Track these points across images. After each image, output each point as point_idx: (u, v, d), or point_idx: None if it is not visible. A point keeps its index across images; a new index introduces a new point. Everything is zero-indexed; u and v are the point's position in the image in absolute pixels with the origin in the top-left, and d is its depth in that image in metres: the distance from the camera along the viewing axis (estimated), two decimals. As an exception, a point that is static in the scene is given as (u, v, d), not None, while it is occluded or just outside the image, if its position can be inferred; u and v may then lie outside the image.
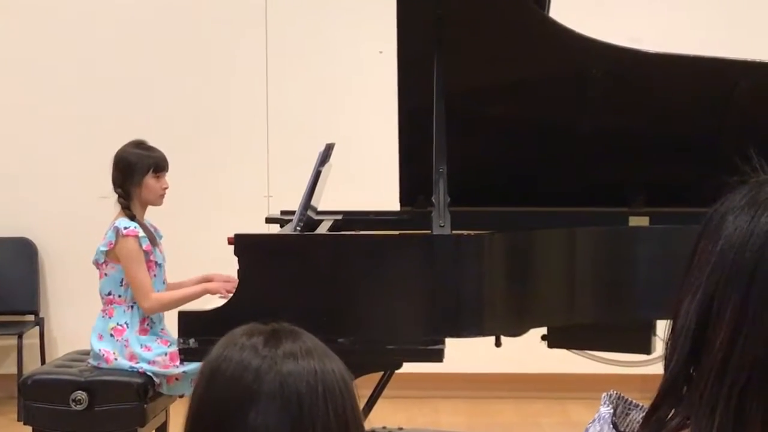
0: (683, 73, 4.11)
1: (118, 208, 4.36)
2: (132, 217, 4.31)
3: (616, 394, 1.18)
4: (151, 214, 4.51)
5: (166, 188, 4.40)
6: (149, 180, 4.35)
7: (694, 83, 4.11)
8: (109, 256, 4.31)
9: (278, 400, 1.34)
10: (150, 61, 6.22)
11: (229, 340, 1.44)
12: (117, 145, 4.45)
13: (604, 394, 1.18)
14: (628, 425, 1.17)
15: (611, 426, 1.13)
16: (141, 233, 4.28)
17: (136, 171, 4.34)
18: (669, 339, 1.14)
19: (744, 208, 1.11)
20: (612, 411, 1.15)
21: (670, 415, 1.11)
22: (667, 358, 1.13)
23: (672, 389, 1.11)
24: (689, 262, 1.15)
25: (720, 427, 1.05)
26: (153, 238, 4.38)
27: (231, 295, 4.19)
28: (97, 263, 4.35)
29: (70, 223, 6.15)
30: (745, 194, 1.13)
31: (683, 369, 1.10)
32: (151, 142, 4.49)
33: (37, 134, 6.25)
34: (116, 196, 4.36)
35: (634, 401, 1.19)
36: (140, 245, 4.27)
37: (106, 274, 4.33)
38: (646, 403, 1.15)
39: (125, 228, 4.25)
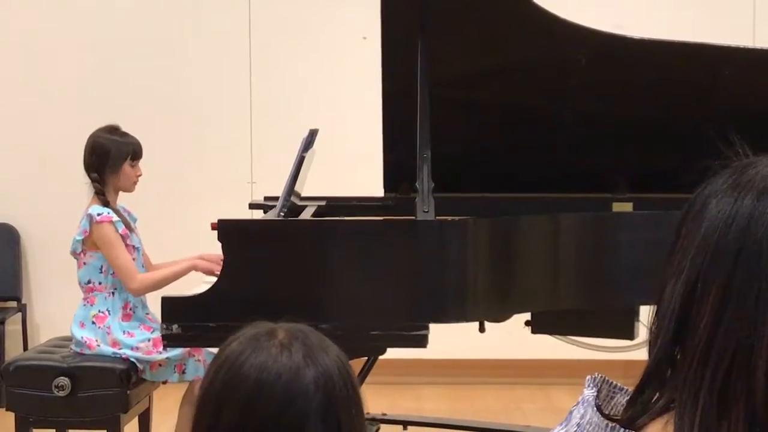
0: (667, 59, 4.12)
1: (91, 194, 4.32)
2: (106, 203, 4.28)
3: (601, 377, 1.18)
4: (134, 199, 4.49)
5: (140, 175, 4.39)
6: (126, 167, 4.33)
7: (678, 69, 4.11)
8: (86, 245, 4.28)
9: (321, 424, 1.36)
10: (132, 46, 6.19)
11: (267, 354, 1.39)
12: (100, 130, 4.42)
13: (588, 376, 1.18)
14: (612, 408, 1.17)
15: (595, 409, 1.13)
16: (115, 218, 4.25)
17: (113, 158, 4.31)
18: (653, 323, 1.14)
19: (727, 191, 1.11)
20: (596, 393, 1.15)
21: (654, 398, 1.11)
22: (651, 342, 1.13)
23: (656, 372, 1.11)
24: (672, 246, 1.15)
25: (704, 410, 1.05)
26: (127, 222, 4.36)
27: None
28: (74, 253, 4.32)
29: (52, 210, 6.12)
30: (728, 177, 1.13)
31: (667, 352, 1.11)
32: (134, 128, 4.47)
33: (19, 120, 6.22)
34: (89, 181, 4.32)
35: (619, 385, 1.20)
36: (116, 229, 4.24)
37: (84, 263, 4.31)
38: (631, 387, 1.16)
39: (98, 215, 4.23)
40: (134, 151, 4.35)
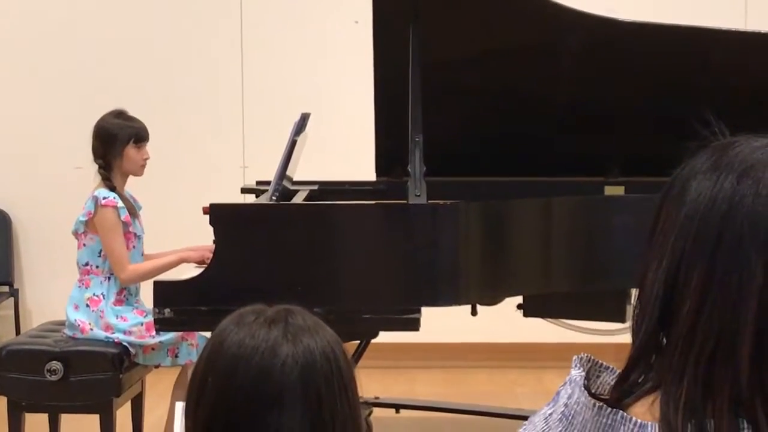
0: (659, 42, 4.11)
1: (98, 179, 4.33)
2: (112, 188, 4.28)
3: (587, 356, 1.18)
4: (128, 184, 4.48)
5: (147, 158, 4.37)
6: (130, 150, 4.32)
7: (670, 52, 4.11)
8: (88, 227, 4.28)
9: (300, 398, 1.42)
10: (125, 31, 6.17)
11: (247, 331, 1.47)
12: (91, 116, 4.41)
13: (575, 356, 1.18)
14: (599, 387, 1.17)
15: (582, 388, 1.13)
16: (120, 204, 4.25)
17: (116, 141, 4.30)
18: (636, 306, 1.14)
19: (707, 173, 1.10)
20: (583, 373, 1.15)
21: (640, 380, 1.11)
22: (635, 327, 1.13)
23: (642, 357, 1.11)
24: (652, 228, 1.14)
25: (688, 395, 1.05)
26: (132, 209, 4.35)
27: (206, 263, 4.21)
28: (76, 233, 4.32)
29: (44, 194, 6.12)
30: (707, 158, 1.12)
31: (652, 337, 1.10)
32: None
33: (10, 105, 6.20)
34: (96, 167, 4.32)
35: (604, 363, 1.19)
36: (119, 216, 4.24)
37: (84, 245, 4.31)
38: (619, 367, 1.16)
39: (104, 198, 4.23)
40: (137, 134, 4.34)
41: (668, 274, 1.09)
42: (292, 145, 4.06)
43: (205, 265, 3.68)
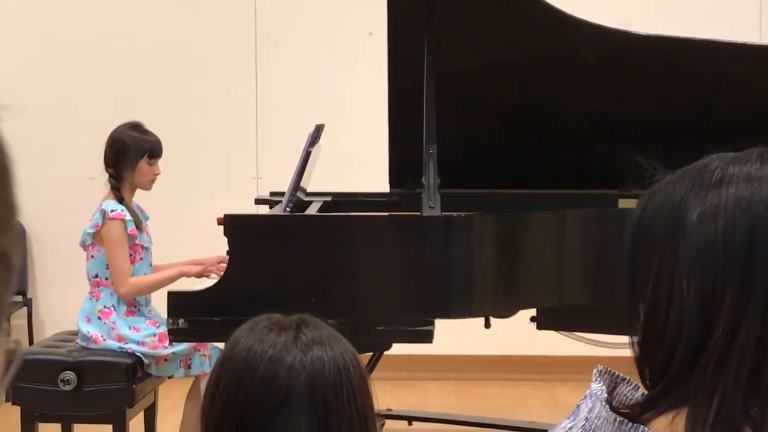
0: (674, 56, 4.11)
1: (107, 188, 4.33)
2: (120, 199, 4.28)
3: (606, 369, 1.17)
4: (141, 194, 4.48)
5: (158, 174, 4.38)
6: (143, 164, 4.32)
7: (685, 65, 4.11)
8: (95, 239, 4.28)
9: (307, 403, 1.45)
10: (139, 42, 6.19)
11: (257, 336, 1.52)
12: (106, 126, 4.42)
13: (595, 369, 1.17)
14: (616, 398, 1.16)
15: (604, 403, 1.12)
16: (127, 217, 4.25)
17: (130, 154, 4.30)
18: (646, 335, 1.11)
19: (699, 199, 1.09)
20: (604, 387, 1.14)
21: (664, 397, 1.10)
22: (656, 356, 1.11)
23: (673, 388, 1.09)
24: (644, 266, 1.13)
25: (718, 414, 1.03)
26: (139, 221, 4.34)
27: (211, 275, 4.22)
28: (84, 245, 4.33)
29: (58, 204, 6.13)
30: (687, 183, 1.11)
31: (685, 365, 1.08)
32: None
33: (24, 114, 6.22)
34: (106, 176, 4.32)
35: (621, 375, 1.18)
36: (125, 229, 4.24)
37: (92, 256, 4.31)
38: (633, 379, 1.15)
39: (112, 211, 4.23)
40: (152, 149, 4.33)
41: (701, 303, 1.06)
42: (306, 156, 4.06)
43: (216, 277, 3.68)
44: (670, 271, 1.10)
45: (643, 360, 1.12)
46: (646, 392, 1.13)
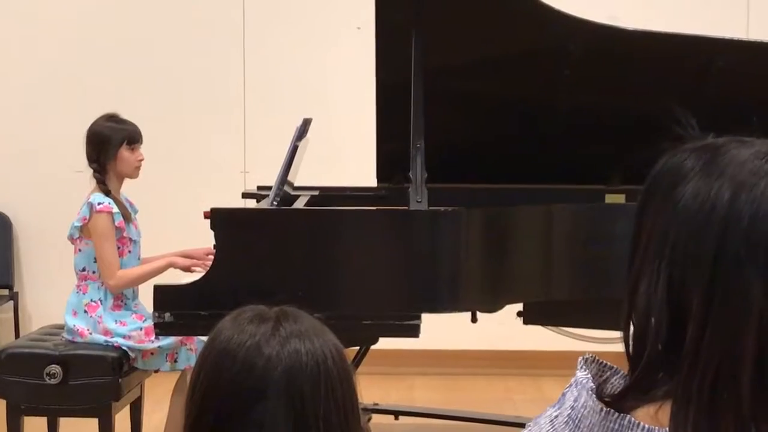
0: (660, 51, 4.12)
1: (93, 183, 4.33)
2: (107, 192, 4.27)
3: (592, 357, 1.17)
4: (127, 188, 4.48)
5: (142, 160, 4.37)
6: (123, 152, 4.32)
7: (672, 61, 4.11)
8: (83, 232, 4.28)
9: (284, 395, 1.46)
10: (127, 35, 6.18)
11: (237, 327, 1.52)
12: (92, 118, 4.41)
13: (581, 357, 1.16)
14: (605, 389, 1.16)
15: (590, 392, 1.11)
16: (115, 209, 4.24)
17: (109, 144, 4.30)
18: (631, 323, 1.11)
19: (697, 181, 1.07)
20: (589, 376, 1.13)
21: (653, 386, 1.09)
22: (636, 347, 1.10)
23: (645, 379, 1.09)
24: (635, 241, 1.11)
25: (695, 422, 1.03)
26: (127, 214, 4.35)
27: (199, 268, 4.22)
28: (71, 238, 4.32)
29: (45, 197, 6.12)
30: (695, 162, 1.08)
31: (656, 361, 1.07)
32: (128, 117, 4.46)
33: (11, 108, 6.20)
34: (91, 171, 4.32)
35: (609, 364, 1.18)
36: (113, 222, 4.24)
37: (80, 250, 4.31)
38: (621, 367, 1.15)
39: (99, 204, 4.22)
40: (130, 136, 4.34)
41: (670, 300, 1.05)
42: (294, 150, 4.06)
43: (202, 271, 3.67)
44: (652, 246, 1.09)
45: (627, 343, 1.12)
46: None
